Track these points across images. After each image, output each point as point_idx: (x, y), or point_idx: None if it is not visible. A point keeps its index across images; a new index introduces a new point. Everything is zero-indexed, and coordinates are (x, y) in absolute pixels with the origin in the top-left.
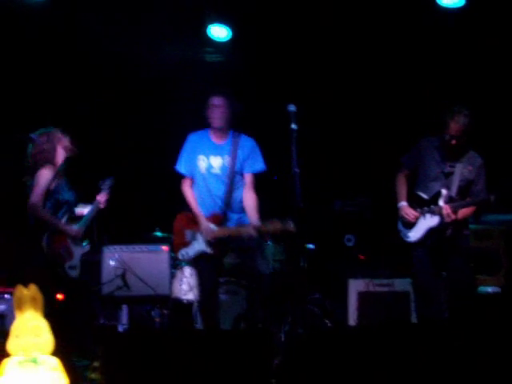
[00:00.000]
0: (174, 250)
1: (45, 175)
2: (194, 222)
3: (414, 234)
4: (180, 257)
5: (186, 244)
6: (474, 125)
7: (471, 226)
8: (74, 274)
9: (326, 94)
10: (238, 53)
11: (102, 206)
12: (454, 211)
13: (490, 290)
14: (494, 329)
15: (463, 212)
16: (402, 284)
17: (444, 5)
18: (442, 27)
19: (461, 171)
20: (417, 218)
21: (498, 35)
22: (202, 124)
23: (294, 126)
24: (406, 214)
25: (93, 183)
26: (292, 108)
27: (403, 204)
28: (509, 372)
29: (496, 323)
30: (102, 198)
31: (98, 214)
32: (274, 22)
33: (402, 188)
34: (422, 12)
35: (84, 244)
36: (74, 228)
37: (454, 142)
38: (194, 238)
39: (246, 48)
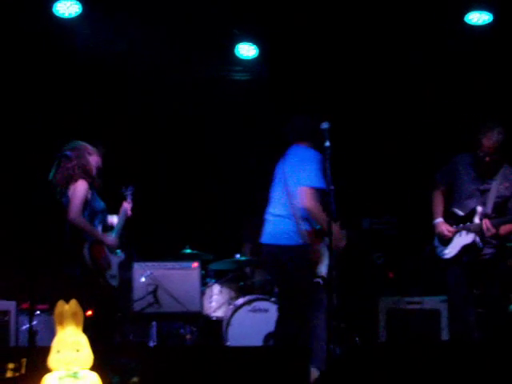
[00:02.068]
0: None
1: (82, 187)
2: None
3: (450, 251)
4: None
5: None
6: (508, 141)
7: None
8: (115, 282)
9: (356, 112)
10: (266, 71)
11: (129, 213)
12: (494, 226)
13: None
14: None
15: (505, 228)
16: (431, 302)
17: (472, 23)
18: (470, 45)
19: (497, 188)
20: (453, 235)
21: None
22: (230, 140)
23: (327, 143)
24: (443, 231)
25: (117, 194)
26: (325, 126)
27: (439, 221)
28: None
29: None
30: (128, 205)
31: (127, 226)
32: (302, 38)
33: (437, 205)
34: (451, 30)
35: (118, 253)
36: (111, 237)
37: (487, 159)
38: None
39: (274, 66)
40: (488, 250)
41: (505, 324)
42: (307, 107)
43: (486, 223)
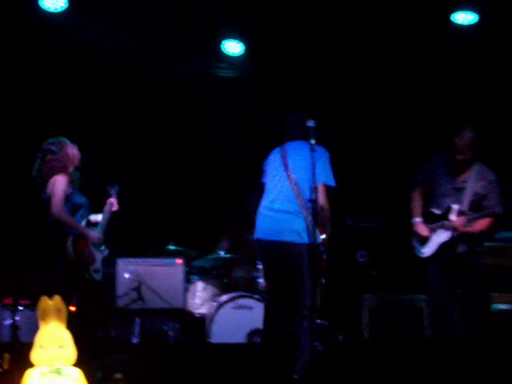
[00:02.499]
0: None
1: (62, 181)
2: None
3: (427, 250)
4: None
5: None
6: (482, 140)
7: (486, 243)
8: (98, 277)
9: (341, 110)
10: (252, 68)
11: (114, 208)
12: (466, 224)
13: (503, 307)
14: (507, 345)
15: (476, 226)
16: (414, 300)
17: (458, 23)
18: (456, 44)
19: (473, 186)
20: (430, 234)
21: (509, 51)
22: (215, 137)
23: (312, 141)
24: (419, 230)
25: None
26: (311, 124)
27: (416, 220)
28: None
29: (509, 340)
30: (113, 201)
31: (111, 223)
32: (289, 36)
33: (415, 204)
34: (438, 29)
35: (102, 248)
36: (95, 232)
37: (460, 157)
38: None
39: (260, 63)
40: (464, 247)
41: (485, 322)
42: (293, 104)
43: (461, 219)
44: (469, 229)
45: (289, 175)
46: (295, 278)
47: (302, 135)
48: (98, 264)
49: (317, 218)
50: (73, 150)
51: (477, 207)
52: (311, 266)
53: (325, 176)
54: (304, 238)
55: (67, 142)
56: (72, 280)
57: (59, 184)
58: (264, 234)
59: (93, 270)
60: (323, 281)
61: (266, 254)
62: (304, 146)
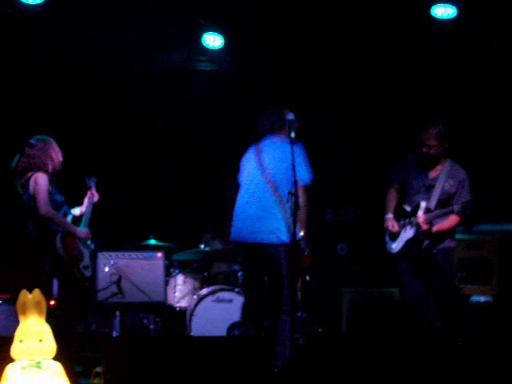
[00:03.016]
0: None
1: (43, 179)
2: None
3: (396, 246)
4: None
5: None
6: (448, 135)
7: (464, 237)
8: (88, 273)
9: (320, 102)
10: (232, 61)
11: (95, 199)
12: (427, 221)
13: (482, 299)
14: (485, 338)
15: (440, 225)
16: (394, 293)
17: (437, 16)
18: (436, 39)
19: (442, 184)
20: (399, 230)
21: (487, 45)
22: (195, 131)
23: (292, 134)
24: (389, 226)
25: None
26: (291, 117)
27: (388, 216)
28: (500, 380)
29: (488, 332)
30: (93, 193)
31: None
32: (269, 29)
33: (389, 201)
34: (417, 23)
35: (89, 243)
36: (82, 230)
37: (424, 149)
38: None
39: (240, 56)
40: (427, 244)
41: (456, 315)
42: (273, 98)
43: (420, 218)
44: (433, 228)
45: (263, 172)
46: (274, 278)
47: (278, 129)
48: (86, 260)
49: (297, 212)
50: (57, 153)
51: (445, 205)
52: (290, 264)
53: (303, 175)
54: (281, 238)
55: (51, 141)
56: (62, 277)
57: (42, 182)
58: (241, 236)
59: (82, 267)
60: (307, 278)
61: (243, 256)
62: (279, 140)
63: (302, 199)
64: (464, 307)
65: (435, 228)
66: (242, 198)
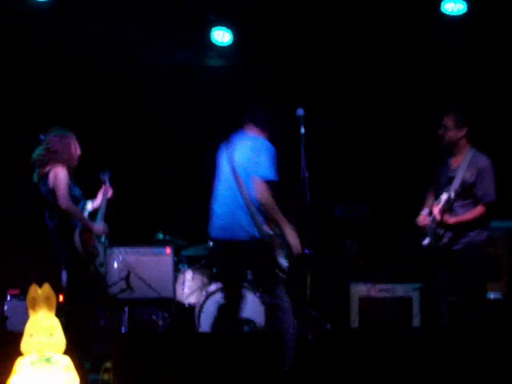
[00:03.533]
0: None
1: (63, 173)
2: None
3: (426, 240)
4: None
5: None
6: (467, 122)
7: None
8: (103, 270)
9: (330, 99)
10: (240, 57)
11: (109, 194)
12: (441, 211)
13: (492, 296)
14: (495, 335)
15: (460, 217)
16: (403, 289)
17: (447, 12)
18: (447, 35)
19: (462, 175)
20: (426, 225)
21: (498, 41)
22: (204, 127)
23: (302, 130)
24: (419, 221)
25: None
26: (301, 112)
27: (421, 213)
28: (509, 377)
29: (498, 329)
30: (107, 188)
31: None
32: (278, 25)
33: (426, 199)
34: (427, 19)
35: (103, 240)
36: (99, 225)
37: (441, 131)
38: None
39: (249, 52)
40: (448, 238)
41: (478, 313)
42: (282, 94)
43: (437, 208)
44: (451, 219)
45: (233, 168)
46: (256, 274)
47: (258, 125)
48: (101, 257)
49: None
50: (76, 146)
51: (467, 196)
52: (267, 260)
53: (264, 170)
54: (251, 233)
55: (71, 135)
56: (76, 272)
57: (61, 176)
58: (216, 233)
59: (98, 264)
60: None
61: (218, 251)
62: (250, 138)
63: (260, 195)
64: None
65: (453, 219)
66: (215, 198)
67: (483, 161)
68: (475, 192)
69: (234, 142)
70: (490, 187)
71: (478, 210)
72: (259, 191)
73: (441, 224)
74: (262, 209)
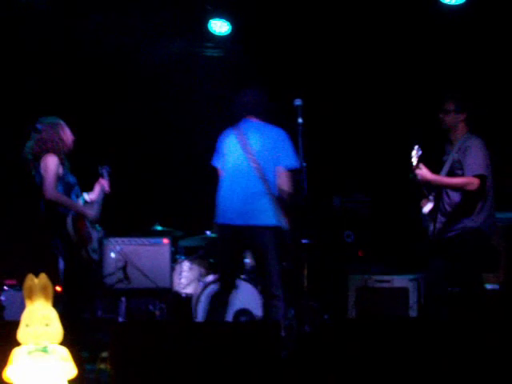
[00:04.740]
0: None
1: (52, 162)
2: None
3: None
4: None
5: None
6: (468, 107)
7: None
8: (96, 257)
9: (329, 89)
10: (238, 47)
11: (106, 190)
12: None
13: (488, 287)
14: (492, 326)
15: (442, 177)
16: (400, 280)
17: (445, 2)
18: (443, 23)
19: (452, 156)
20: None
21: (497, 31)
22: (201, 118)
23: (300, 120)
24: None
25: (90, 173)
26: (298, 102)
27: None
28: (507, 369)
29: (495, 320)
30: (105, 182)
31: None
32: (275, 15)
33: None
34: (425, 9)
35: (98, 229)
36: (92, 210)
37: (441, 115)
38: None
39: (247, 42)
40: (442, 222)
41: (475, 303)
42: (279, 84)
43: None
44: (431, 176)
45: (250, 156)
46: (260, 261)
47: (259, 113)
48: (94, 243)
49: (283, 203)
50: (66, 133)
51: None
52: (277, 249)
53: (288, 160)
54: (268, 222)
55: (60, 121)
56: (70, 258)
57: (50, 164)
58: (227, 218)
59: (91, 250)
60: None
61: (228, 238)
62: (262, 125)
63: (286, 185)
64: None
65: (434, 176)
66: (227, 184)
67: (472, 140)
68: (459, 172)
69: (245, 129)
70: (476, 161)
71: (462, 178)
72: (285, 181)
73: (422, 183)
74: (283, 197)
